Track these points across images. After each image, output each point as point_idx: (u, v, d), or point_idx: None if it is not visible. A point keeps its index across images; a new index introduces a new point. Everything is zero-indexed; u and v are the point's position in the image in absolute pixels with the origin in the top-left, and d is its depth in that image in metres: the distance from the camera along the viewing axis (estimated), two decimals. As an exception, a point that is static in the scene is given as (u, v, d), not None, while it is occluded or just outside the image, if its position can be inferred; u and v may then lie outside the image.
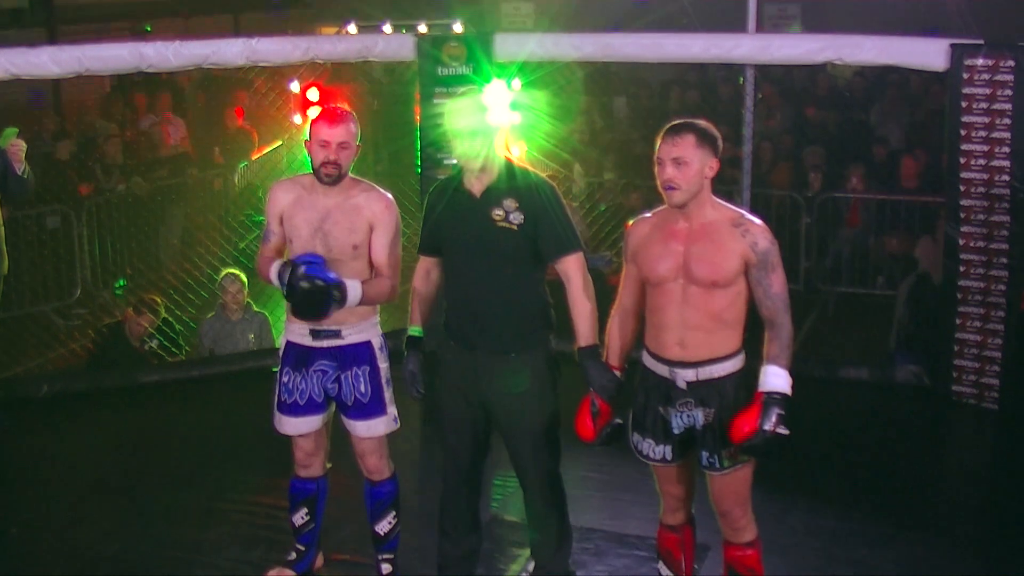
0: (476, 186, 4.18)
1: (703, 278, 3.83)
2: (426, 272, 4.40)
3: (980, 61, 6.43)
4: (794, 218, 9.40)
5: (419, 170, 7.51)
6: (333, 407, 4.52)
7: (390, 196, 4.44)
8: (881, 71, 11.19)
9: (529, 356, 4.23)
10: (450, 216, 4.23)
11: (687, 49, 7.38)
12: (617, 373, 4.11)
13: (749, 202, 7.25)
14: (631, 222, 4.09)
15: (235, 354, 7.57)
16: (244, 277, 7.68)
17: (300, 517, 4.66)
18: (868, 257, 9.47)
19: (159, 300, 7.93)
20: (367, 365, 4.42)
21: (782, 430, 3.74)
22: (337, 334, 4.37)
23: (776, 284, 3.84)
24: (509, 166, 4.22)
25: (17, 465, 6.16)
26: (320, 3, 16.88)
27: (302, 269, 4.11)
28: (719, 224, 3.86)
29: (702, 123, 3.87)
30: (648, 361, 4.00)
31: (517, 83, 7.93)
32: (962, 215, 6.60)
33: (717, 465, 3.92)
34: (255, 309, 7.80)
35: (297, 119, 9.47)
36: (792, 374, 3.82)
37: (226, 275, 7.74)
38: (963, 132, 6.54)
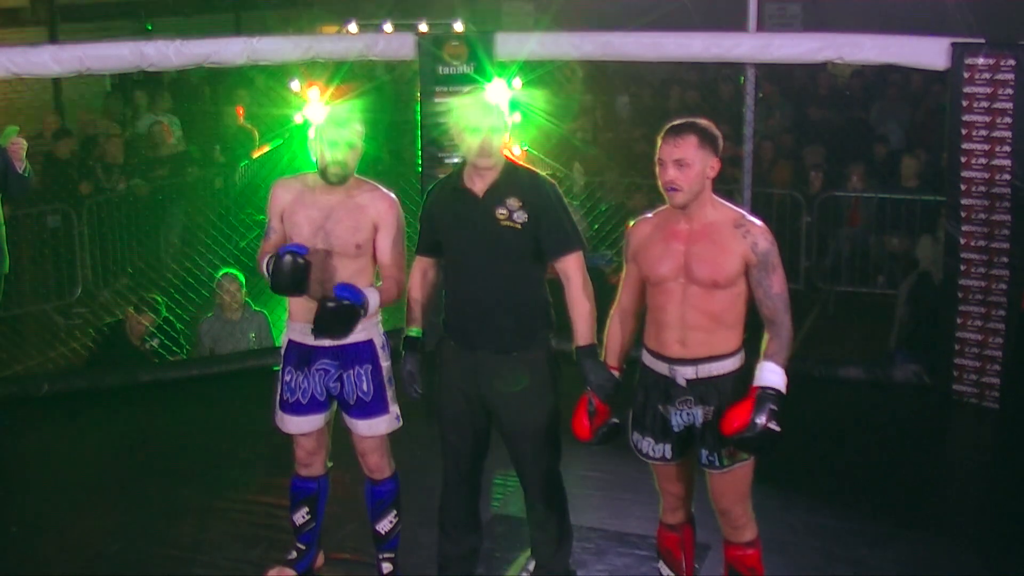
0: (478, 185, 4.17)
1: (704, 278, 3.83)
2: (423, 272, 4.40)
3: (981, 60, 6.43)
4: (795, 217, 9.40)
5: (420, 169, 7.51)
6: (335, 406, 4.52)
7: (393, 196, 4.44)
8: (880, 70, 11.20)
9: (530, 355, 4.23)
10: (452, 216, 4.23)
11: (687, 48, 7.38)
12: (615, 373, 4.11)
13: (750, 201, 7.25)
14: (632, 222, 4.09)
15: (235, 353, 7.57)
16: (242, 277, 7.68)
17: (301, 516, 4.66)
18: (869, 256, 9.47)
19: (160, 299, 7.94)
20: (369, 364, 4.42)
21: (774, 426, 3.72)
22: (338, 333, 4.36)
23: (776, 285, 3.84)
24: (511, 165, 4.22)
25: (17, 464, 6.17)
26: (321, 3, 16.90)
27: (288, 269, 4.11)
28: (720, 225, 3.86)
29: (703, 123, 3.86)
30: (648, 359, 4.00)
31: (518, 82, 7.93)
32: (963, 214, 6.60)
33: (716, 463, 3.92)
34: (254, 308, 7.80)
35: (299, 118, 9.48)
36: (789, 373, 3.82)
37: (223, 275, 7.75)
38: (964, 131, 6.53)
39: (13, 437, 6.42)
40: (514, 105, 7.21)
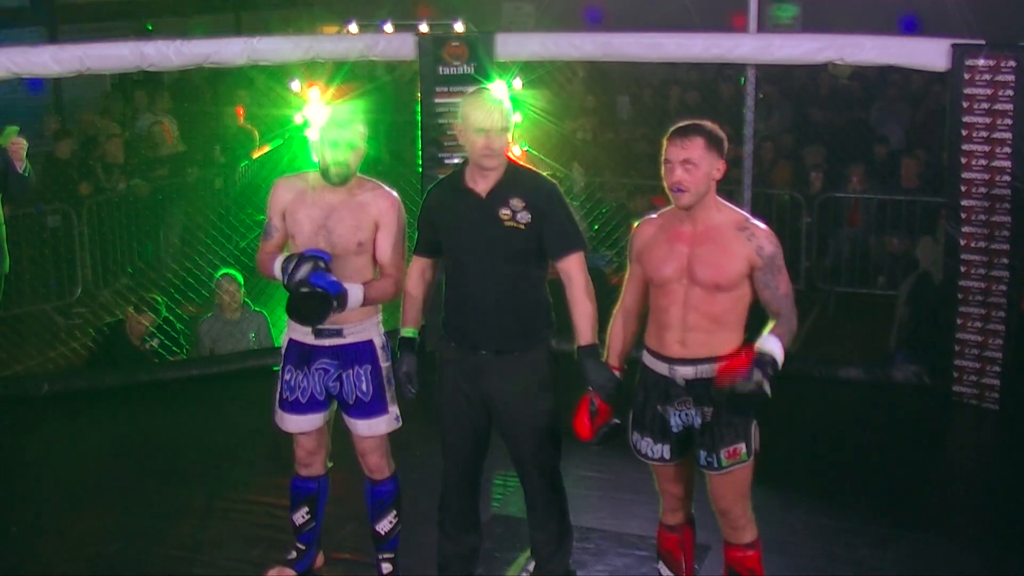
0: (481, 185, 4.17)
1: (707, 281, 3.83)
2: (420, 273, 4.39)
3: (981, 61, 6.43)
4: (795, 217, 9.40)
5: (420, 169, 7.51)
6: (335, 406, 4.52)
7: (395, 195, 4.44)
8: (880, 71, 11.20)
9: (530, 355, 4.23)
10: (454, 216, 4.22)
11: (687, 49, 7.38)
12: (617, 373, 4.11)
13: (750, 201, 7.25)
14: (636, 223, 4.10)
15: (235, 353, 7.57)
16: (240, 277, 7.68)
17: (301, 516, 4.66)
18: (869, 257, 9.48)
19: (159, 299, 7.94)
20: (368, 364, 4.42)
21: (768, 387, 3.68)
22: (339, 333, 4.36)
23: (783, 285, 3.86)
24: (514, 165, 4.22)
25: (17, 463, 6.16)
26: (321, 3, 16.90)
27: (305, 273, 4.10)
28: (724, 227, 3.87)
29: (709, 124, 3.87)
30: (648, 359, 4.01)
31: (518, 82, 7.93)
32: (963, 215, 6.60)
33: (715, 465, 3.92)
34: (253, 308, 7.80)
35: (299, 118, 9.47)
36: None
37: (222, 275, 7.75)
38: (964, 132, 6.53)
39: (13, 437, 6.42)
40: (514, 105, 7.21)
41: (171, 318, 7.94)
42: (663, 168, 3.84)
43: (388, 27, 13.37)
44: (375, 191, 4.39)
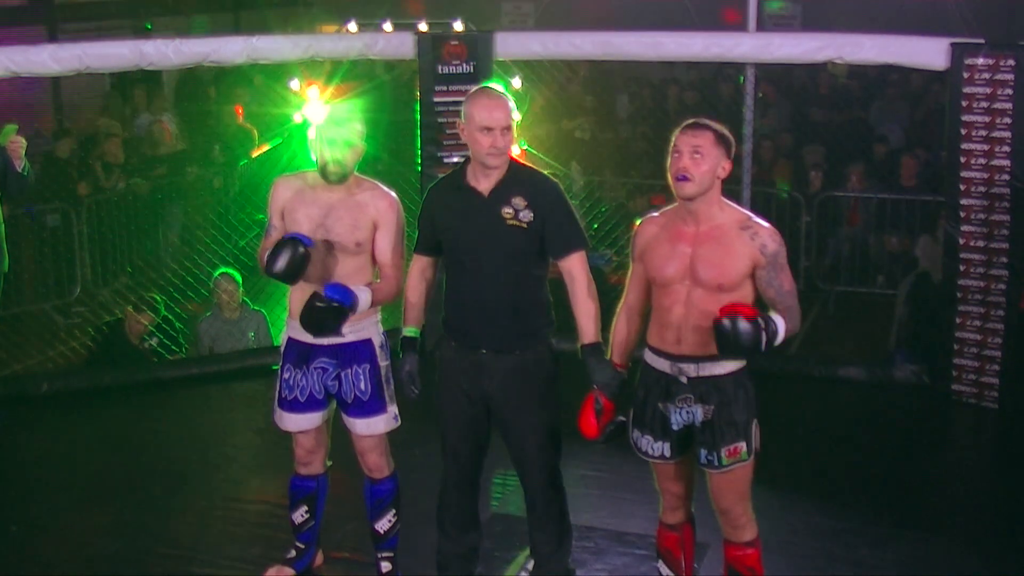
0: (484, 184, 4.17)
1: (709, 281, 3.83)
2: (421, 271, 4.38)
3: (980, 60, 6.43)
4: (794, 217, 9.40)
5: (419, 168, 7.51)
6: (334, 404, 4.52)
7: (394, 195, 4.44)
8: (878, 70, 11.20)
9: (531, 354, 4.23)
10: (456, 215, 4.21)
11: (687, 48, 7.38)
12: (621, 371, 4.11)
13: (749, 201, 7.25)
14: (639, 221, 4.10)
15: (234, 352, 7.58)
16: (239, 276, 7.68)
17: (300, 515, 4.66)
18: (868, 256, 9.48)
19: (159, 298, 7.94)
20: (367, 363, 4.42)
21: (763, 336, 3.66)
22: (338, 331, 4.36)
23: (787, 282, 3.87)
24: (516, 164, 4.22)
25: (16, 463, 6.16)
26: (320, 2, 16.90)
27: (286, 260, 4.11)
28: (727, 227, 3.87)
29: (718, 125, 3.90)
30: (650, 356, 4.01)
31: (517, 81, 7.93)
32: (962, 214, 6.60)
33: (716, 463, 3.92)
34: (252, 307, 7.80)
35: (298, 117, 9.47)
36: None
37: (220, 274, 7.75)
38: (963, 131, 6.53)
39: (12, 436, 6.42)
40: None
41: (170, 317, 7.94)
42: (670, 158, 3.85)
43: (387, 26, 13.36)
44: (373, 191, 4.39)
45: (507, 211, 4.13)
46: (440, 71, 7.35)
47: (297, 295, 4.33)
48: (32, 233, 8.91)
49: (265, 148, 10.32)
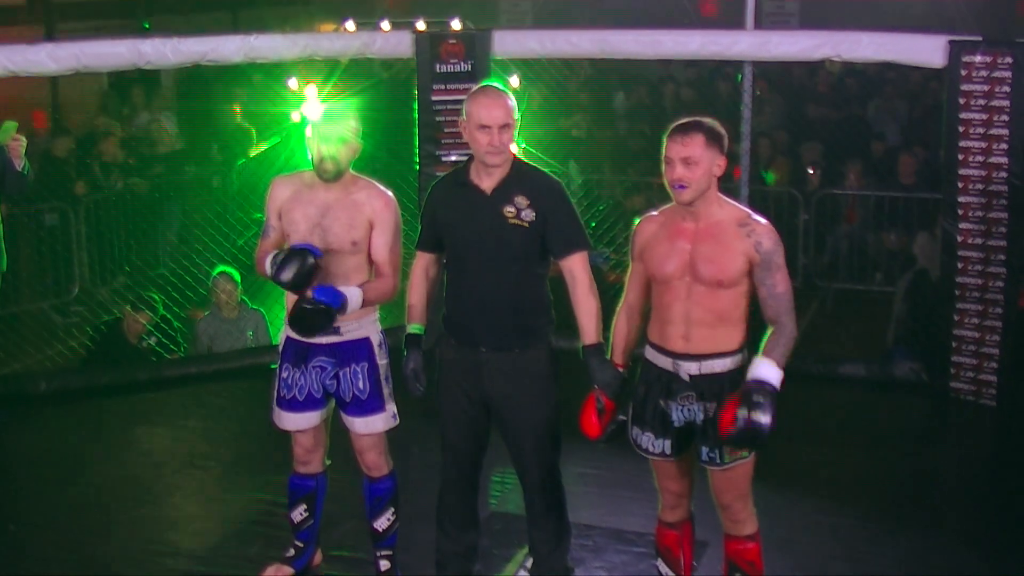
0: (486, 182, 4.16)
1: (708, 278, 3.83)
2: (424, 268, 4.39)
3: (978, 57, 6.43)
4: (792, 214, 9.41)
5: (417, 167, 7.51)
6: (332, 403, 4.52)
7: (390, 193, 4.43)
8: (875, 67, 11.21)
9: (531, 352, 4.23)
10: (458, 212, 4.21)
11: (685, 46, 7.37)
12: (621, 370, 4.12)
13: (747, 198, 7.25)
14: (638, 220, 4.10)
15: (233, 351, 7.57)
16: (237, 275, 7.68)
17: (299, 513, 4.66)
18: (866, 253, 9.49)
19: (157, 297, 7.93)
20: (366, 362, 4.42)
21: (760, 418, 3.65)
22: (336, 331, 4.36)
23: (780, 284, 3.84)
24: (519, 163, 4.22)
25: (14, 462, 6.16)
26: (318, 1, 16.90)
27: (293, 271, 4.11)
28: (725, 224, 3.87)
29: (709, 121, 3.87)
30: (651, 354, 4.01)
31: (515, 79, 7.92)
32: (960, 211, 6.60)
33: (718, 460, 3.92)
34: (251, 306, 7.80)
35: (296, 116, 9.48)
36: (785, 370, 3.81)
37: (219, 273, 7.74)
38: (961, 128, 6.53)
39: (11, 435, 6.42)
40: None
41: (168, 316, 7.94)
42: (664, 165, 3.84)
43: (385, 24, 13.35)
44: (369, 190, 4.39)
45: (509, 210, 4.13)
46: (438, 70, 7.34)
47: (296, 295, 4.33)
48: (30, 232, 8.90)
49: (263, 147, 10.33)
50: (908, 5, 13.58)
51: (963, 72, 6.48)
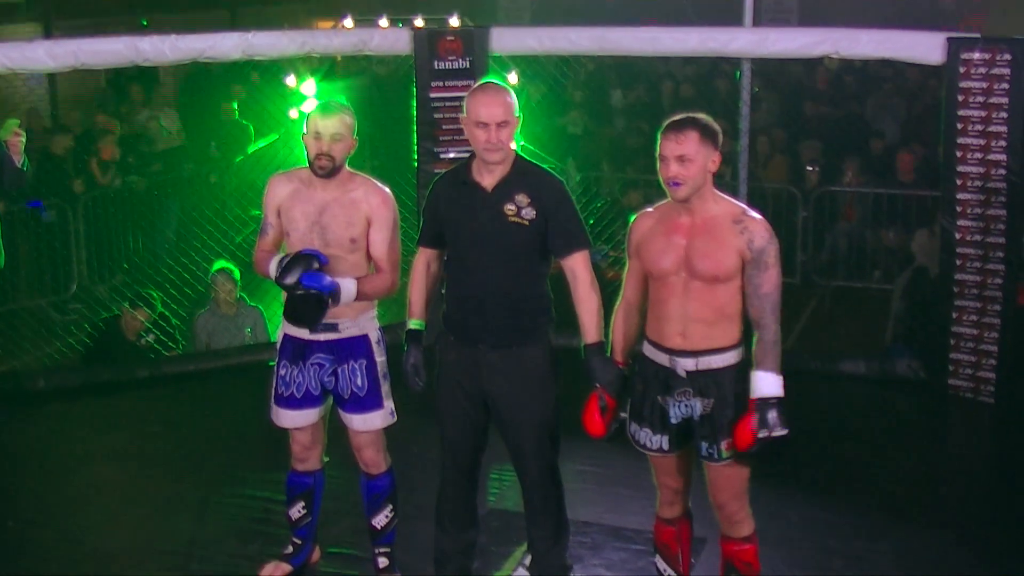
0: (487, 179, 4.16)
1: (704, 273, 3.83)
2: (425, 264, 4.38)
3: (977, 55, 6.43)
4: (791, 212, 9.41)
5: (415, 164, 7.50)
6: (330, 400, 4.52)
7: (388, 190, 4.43)
8: (873, 65, 11.21)
9: (530, 350, 4.22)
10: (458, 209, 4.21)
11: (683, 43, 7.37)
12: (621, 368, 4.12)
13: (746, 196, 7.24)
14: (634, 217, 4.10)
15: (231, 348, 7.57)
16: (236, 272, 7.68)
17: (297, 511, 4.66)
18: (865, 251, 9.49)
19: (155, 294, 7.93)
20: (364, 359, 4.42)
21: (778, 431, 3.77)
22: (334, 327, 4.36)
23: (766, 284, 3.83)
24: (521, 160, 4.21)
25: (13, 459, 6.16)
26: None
27: (298, 274, 4.10)
28: (721, 219, 3.87)
29: (703, 118, 3.87)
30: (648, 350, 4.01)
31: (514, 77, 7.92)
32: (959, 209, 6.60)
33: (716, 455, 3.92)
34: (249, 303, 7.80)
35: (294, 113, 9.47)
36: (782, 371, 3.82)
37: (217, 270, 7.74)
38: (960, 126, 6.53)
39: (9, 432, 6.42)
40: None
41: (167, 313, 7.93)
42: (658, 163, 3.84)
43: (383, 21, 13.35)
44: (366, 187, 4.38)
45: (509, 208, 4.12)
46: (436, 67, 7.33)
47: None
48: (28, 229, 8.90)
49: (261, 145, 10.33)
50: (908, 4, 13.58)
51: (962, 69, 6.47)
